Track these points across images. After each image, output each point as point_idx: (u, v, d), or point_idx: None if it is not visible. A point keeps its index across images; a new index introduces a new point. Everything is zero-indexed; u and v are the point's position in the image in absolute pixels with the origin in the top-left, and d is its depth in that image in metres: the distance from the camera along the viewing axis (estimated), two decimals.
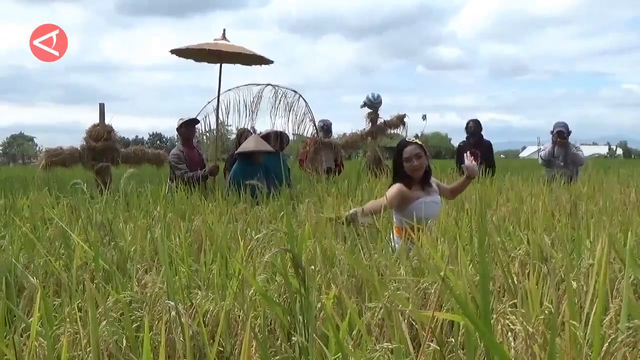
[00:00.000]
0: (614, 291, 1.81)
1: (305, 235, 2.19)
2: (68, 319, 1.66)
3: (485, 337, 1.20)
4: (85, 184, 3.71)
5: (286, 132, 7.07)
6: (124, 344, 1.62)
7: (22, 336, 1.68)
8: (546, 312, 1.47)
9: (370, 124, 8.97)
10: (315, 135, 7.76)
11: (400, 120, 9.04)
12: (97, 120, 6.40)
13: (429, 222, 2.96)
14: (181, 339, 1.58)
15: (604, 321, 1.46)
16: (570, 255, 2.10)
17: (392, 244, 2.79)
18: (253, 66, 7.23)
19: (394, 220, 3.34)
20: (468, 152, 3.84)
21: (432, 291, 1.73)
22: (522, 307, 1.54)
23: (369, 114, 8.97)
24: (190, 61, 7.16)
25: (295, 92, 7.48)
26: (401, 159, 3.32)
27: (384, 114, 9.11)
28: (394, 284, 1.79)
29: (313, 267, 1.89)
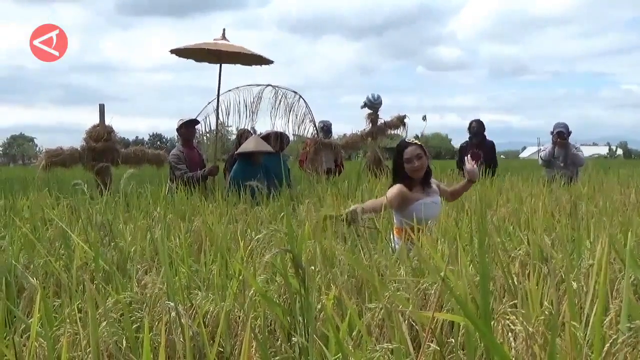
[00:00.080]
0: (614, 291, 1.81)
1: (305, 236, 2.19)
2: (68, 320, 1.66)
3: (485, 338, 1.20)
4: (85, 185, 3.71)
5: (286, 132, 7.08)
6: (124, 345, 1.62)
7: (22, 337, 1.68)
8: (546, 312, 1.47)
9: (370, 125, 8.97)
10: (316, 135, 7.76)
11: (400, 121, 9.04)
12: (97, 121, 6.40)
13: (429, 222, 2.96)
14: (181, 339, 1.57)
15: (604, 322, 1.46)
16: (570, 256, 2.10)
17: (392, 244, 2.79)
18: (253, 66, 7.23)
19: (394, 221, 3.34)
20: (469, 155, 3.84)
21: (432, 292, 1.73)
22: (522, 307, 1.54)
23: (369, 114, 8.97)
24: (190, 62, 7.17)
25: (295, 92, 7.49)
26: (401, 160, 3.31)
27: (384, 115, 9.12)
28: (394, 285, 1.78)
29: (313, 267, 1.89)
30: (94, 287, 1.76)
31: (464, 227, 2.73)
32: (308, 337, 1.55)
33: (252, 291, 1.79)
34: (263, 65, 7.18)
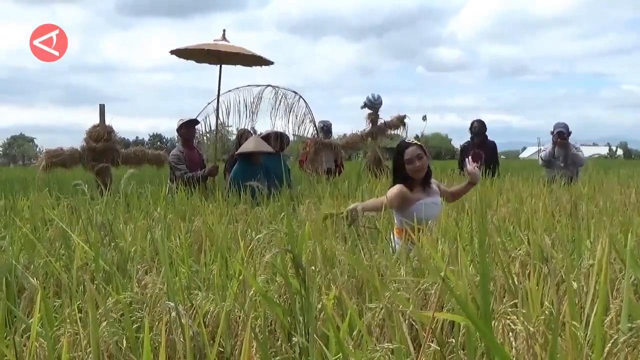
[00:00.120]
0: (614, 291, 1.81)
1: (305, 236, 2.19)
2: (68, 320, 1.66)
3: (486, 338, 1.20)
4: (85, 185, 3.71)
5: (286, 133, 7.08)
6: (124, 345, 1.62)
7: (22, 337, 1.68)
8: (547, 312, 1.47)
9: (370, 125, 8.97)
10: (316, 136, 7.76)
11: (400, 121, 9.03)
12: (97, 121, 6.39)
13: (429, 223, 2.96)
14: (181, 339, 1.57)
15: (605, 322, 1.46)
16: (570, 256, 2.10)
17: (393, 244, 2.79)
18: (253, 67, 7.24)
19: (395, 221, 3.34)
20: (470, 157, 3.84)
21: (433, 292, 1.73)
22: (523, 307, 1.54)
23: (369, 114, 8.97)
24: (190, 62, 7.18)
25: (295, 93, 7.49)
26: (402, 161, 3.31)
27: (384, 115, 9.11)
28: (395, 285, 1.78)
29: (313, 267, 1.89)
30: (94, 287, 1.76)
31: (464, 227, 2.73)
32: (308, 337, 1.55)
33: (252, 291, 1.79)
34: (263, 66, 7.18)
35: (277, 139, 6.49)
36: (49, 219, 3.35)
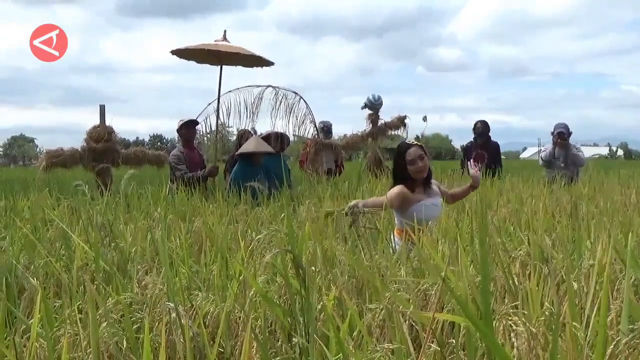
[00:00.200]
0: (614, 292, 1.81)
1: (305, 236, 2.19)
2: (68, 320, 1.66)
3: (486, 338, 1.20)
4: (85, 185, 3.71)
5: (287, 133, 7.08)
6: (125, 346, 1.62)
7: (22, 337, 1.68)
8: (547, 313, 1.46)
9: (370, 125, 8.97)
10: (316, 136, 7.76)
11: (400, 122, 9.03)
12: (97, 122, 6.39)
13: (430, 223, 2.96)
14: (181, 340, 1.57)
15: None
16: (571, 256, 2.10)
17: (393, 245, 2.79)
18: (254, 68, 7.24)
19: (396, 221, 3.33)
20: (473, 157, 3.84)
21: (433, 292, 1.72)
22: (524, 308, 1.54)
23: (370, 115, 8.97)
24: (191, 63, 7.17)
25: (295, 93, 7.49)
26: (402, 161, 3.30)
27: (385, 115, 9.11)
28: (395, 285, 1.78)
29: (313, 268, 1.89)
30: (95, 287, 1.76)
31: (465, 228, 2.73)
32: (308, 337, 1.55)
33: (252, 292, 1.79)
34: (263, 67, 7.18)
35: (277, 139, 6.49)
36: (49, 219, 3.35)
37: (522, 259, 2.08)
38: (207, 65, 7.09)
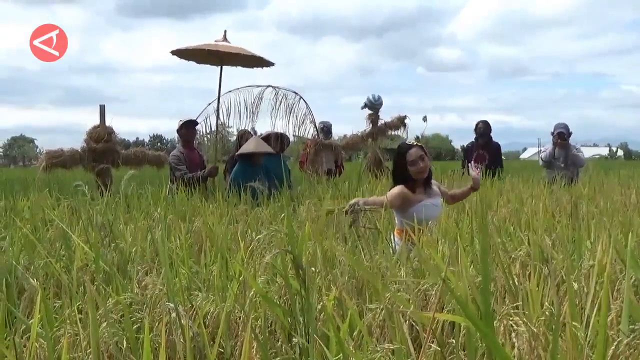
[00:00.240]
0: (614, 292, 1.81)
1: (305, 237, 2.19)
2: (68, 321, 1.66)
3: (487, 338, 1.20)
4: (85, 186, 3.71)
5: (286, 133, 7.08)
6: (125, 346, 1.62)
7: (22, 338, 1.68)
8: (547, 313, 1.46)
9: (370, 126, 8.97)
10: (316, 136, 7.76)
11: (401, 122, 9.03)
12: (97, 122, 6.39)
13: (430, 223, 2.96)
14: (181, 340, 1.57)
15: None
16: (571, 257, 2.09)
17: (393, 245, 2.79)
18: (254, 68, 7.24)
19: (396, 222, 3.33)
20: (474, 158, 3.85)
21: (433, 292, 1.72)
22: (524, 308, 1.54)
23: (370, 115, 8.97)
24: (191, 63, 7.17)
25: (295, 93, 7.49)
26: (403, 162, 3.30)
27: (385, 116, 9.11)
28: (395, 285, 1.78)
29: (313, 268, 1.89)
30: (95, 288, 1.76)
31: (465, 228, 2.73)
32: (309, 337, 1.55)
33: (252, 292, 1.79)
34: (264, 67, 7.18)
35: (277, 139, 6.49)
36: (49, 219, 3.35)
37: (522, 259, 2.08)
38: (207, 66, 7.10)
